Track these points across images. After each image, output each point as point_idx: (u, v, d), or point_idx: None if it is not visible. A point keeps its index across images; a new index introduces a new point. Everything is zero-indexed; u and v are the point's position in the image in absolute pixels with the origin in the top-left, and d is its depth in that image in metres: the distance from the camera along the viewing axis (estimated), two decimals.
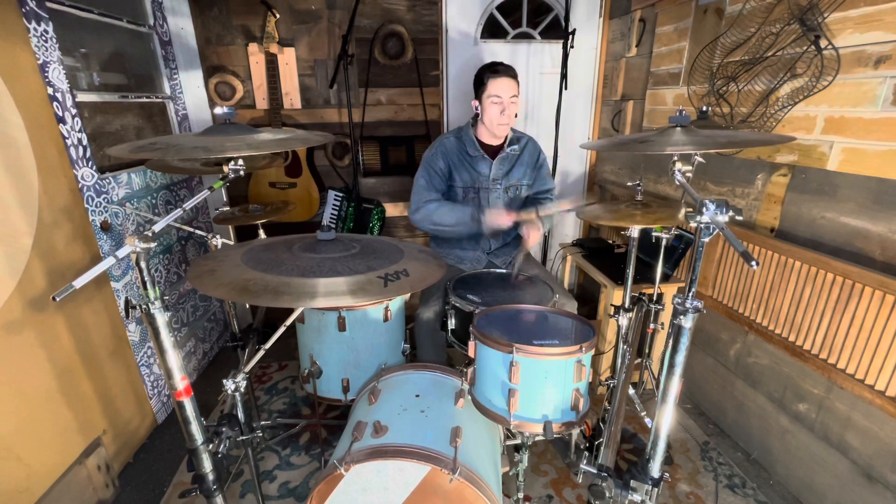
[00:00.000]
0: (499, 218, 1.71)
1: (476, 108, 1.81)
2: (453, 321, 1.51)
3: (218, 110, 1.07)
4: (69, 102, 1.55)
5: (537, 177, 1.97)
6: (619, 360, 1.61)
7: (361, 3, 2.27)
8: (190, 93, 2.39)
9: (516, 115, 1.82)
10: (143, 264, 0.81)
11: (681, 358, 0.90)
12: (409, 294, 1.19)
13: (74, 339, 1.52)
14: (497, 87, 1.71)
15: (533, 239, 1.75)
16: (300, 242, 1.15)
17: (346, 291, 0.91)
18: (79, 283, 0.72)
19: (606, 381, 1.71)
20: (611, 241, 2.49)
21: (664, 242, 1.51)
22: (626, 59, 2.47)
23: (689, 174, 1.03)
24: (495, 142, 1.87)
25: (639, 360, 2.04)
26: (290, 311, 1.22)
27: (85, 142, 1.61)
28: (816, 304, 1.47)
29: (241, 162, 1.02)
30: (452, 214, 1.77)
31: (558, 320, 1.29)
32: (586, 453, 1.65)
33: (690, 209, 0.84)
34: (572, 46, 2.31)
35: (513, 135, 1.90)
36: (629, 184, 2.54)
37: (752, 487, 1.67)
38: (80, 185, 1.59)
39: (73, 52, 1.78)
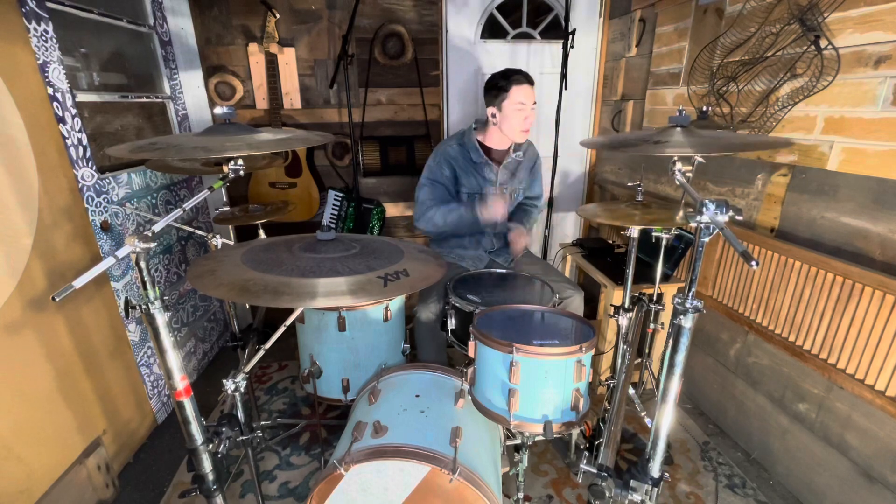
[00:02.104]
0: (495, 212, 1.74)
1: (493, 116, 1.76)
2: (453, 321, 1.51)
3: (218, 110, 1.07)
4: (69, 102, 1.55)
5: (531, 181, 2.00)
6: (619, 360, 1.61)
7: (361, 3, 2.27)
8: (190, 93, 2.39)
9: None
10: (142, 264, 0.81)
11: (681, 358, 0.90)
12: (409, 294, 1.19)
13: (74, 339, 1.52)
14: (522, 93, 1.70)
15: (518, 245, 1.86)
16: (300, 242, 1.15)
17: (346, 291, 0.91)
18: (79, 283, 0.72)
19: (606, 381, 1.71)
20: (611, 241, 2.49)
21: (664, 242, 1.51)
22: (626, 59, 2.47)
23: (689, 174, 1.03)
24: (502, 146, 1.87)
25: (639, 360, 2.04)
26: (290, 311, 1.21)
27: (85, 142, 1.61)
28: (816, 304, 1.47)
29: (241, 162, 1.02)
30: (451, 215, 1.80)
31: (558, 320, 1.29)
32: (586, 453, 1.65)
33: (690, 209, 0.84)
34: (572, 46, 2.31)
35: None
36: (629, 184, 2.54)
37: (752, 487, 1.67)
38: (80, 185, 1.59)
39: (73, 52, 1.78)
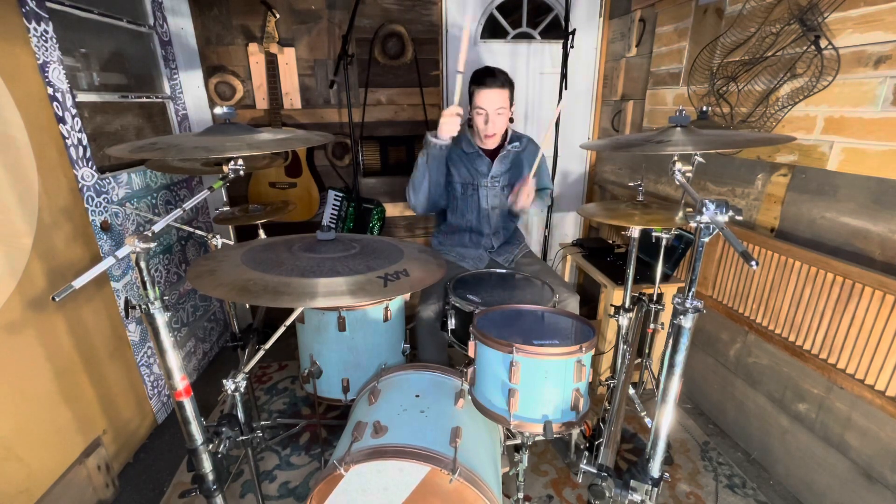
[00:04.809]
0: (447, 126, 1.61)
1: (468, 113, 1.81)
2: (453, 321, 1.51)
3: (218, 110, 1.07)
4: (69, 102, 1.55)
5: (537, 175, 1.93)
6: (619, 360, 1.61)
7: (361, 3, 2.27)
8: (190, 93, 2.39)
9: (512, 120, 1.82)
10: (142, 264, 0.81)
11: (681, 358, 0.90)
12: (409, 294, 1.19)
13: (74, 339, 1.52)
14: (481, 99, 1.70)
15: (522, 198, 1.73)
16: (300, 242, 1.15)
17: (346, 291, 0.91)
18: (78, 283, 0.72)
19: (606, 381, 1.72)
20: (611, 241, 2.49)
21: (664, 242, 1.51)
22: (626, 59, 2.47)
23: (689, 174, 1.03)
24: (490, 145, 1.87)
25: (639, 360, 2.04)
26: (290, 311, 1.22)
27: (85, 142, 1.61)
28: (816, 304, 1.47)
29: (241, 162, 1.02)
30: (417, 169, 1.75)
31: (558, 320, 1.29)
32: (586, 453, 1.65)
33: (690, 209, 0.84)
34: (572, 46, 2.31)
35: (513, 133, 1.90)
36: (630, 184, 2.54)
37: (752, 487, 1.67)
38: (80, 185, 1.59)
39: (73, 52, 1.78)
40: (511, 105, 1.76)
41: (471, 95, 1.74)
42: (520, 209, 1.81)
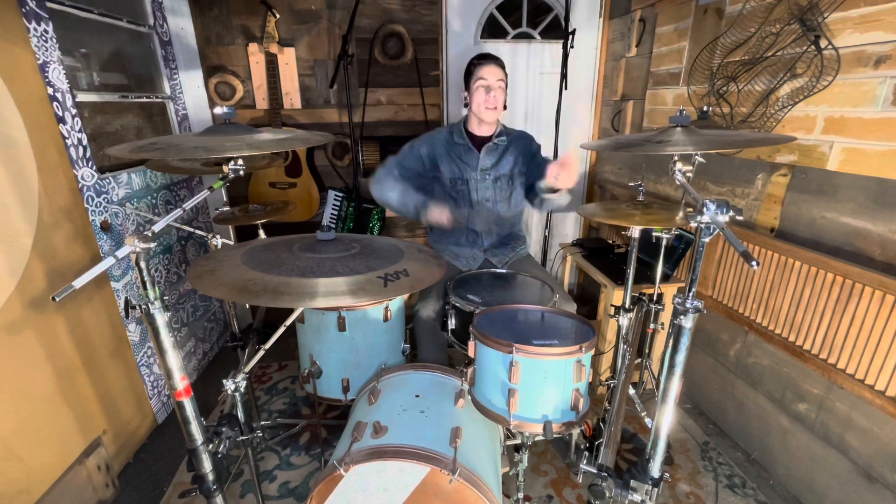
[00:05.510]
0: (440, 216, 1.71)
1: (465, 99, 1.83)
2: (453, 321, 1.51)
3: (218, 110, 1.07)
4: (69, 102, 1.55)
5: (533, 164, 1.86)
6: (619, 360, 1.61)
7: (361, 3, 2.27)
8: (190, 93, 2.39)
9: (505, 107, 1.82)
10: (142, 264, 0.82)
11: (681, 358, 0.90)
12: (408, 294, 1.19)
13: (74, 339, 1.52)
14: (483, 71, 1.75)
15: (564, 176, 1.51)
16: (300, 242, 1.15)
17: (346, 291, 0.91)
18: (78, 283, 0.72)
19: (606, 381, 1.72)
20: (611, 241, 2.49)
21: (664, 242, 1.51)
22: (626, 59, 2.47)
23: (689, 174, 1.03)
24: (484, 131, 1.87)
25: (639, 360, 2.04)
26: (290, 311, 1.22)
27: (85, 142, 1.61)
28: (816, 304, 1.47)
29: (241, 162, 1.02)
30: (398, 196, 1.78)
31: (558, 320, 1.29)
32: (586, 453, 1.65)
33: (691, 209, 0.84)
34: (572, 46, 2.31)
35: (502, 128, 1.91)
36: (630, 184, 2.54)
37: (752, 487, 1.67)
38: (80, 185, 1.59)
39: (73, 52, 1.78)
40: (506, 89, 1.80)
41: (469, 76, 1.78)
42: (560, 187, 1.56)
